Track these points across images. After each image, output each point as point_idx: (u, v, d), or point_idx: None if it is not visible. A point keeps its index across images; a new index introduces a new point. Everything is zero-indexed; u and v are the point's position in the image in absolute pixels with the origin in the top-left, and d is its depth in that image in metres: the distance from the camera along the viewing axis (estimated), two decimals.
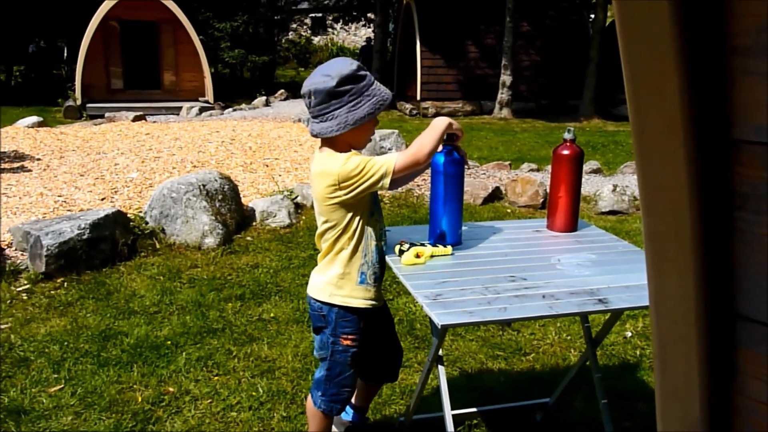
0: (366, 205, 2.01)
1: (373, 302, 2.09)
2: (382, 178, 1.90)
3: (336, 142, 1.97)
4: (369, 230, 2.03)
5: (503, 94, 14.37)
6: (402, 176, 1.99)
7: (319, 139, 2.02)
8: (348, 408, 2.44)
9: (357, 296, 2.05)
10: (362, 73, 1.93)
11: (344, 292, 2.04)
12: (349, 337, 2.06)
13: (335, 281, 2.04)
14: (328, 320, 2.06)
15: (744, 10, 0.54)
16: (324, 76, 1.90)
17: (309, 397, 2.22)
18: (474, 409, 2.69)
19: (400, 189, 6.02)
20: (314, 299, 2.09)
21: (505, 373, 3.08)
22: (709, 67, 0.56)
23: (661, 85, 0.54)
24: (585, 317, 2.55)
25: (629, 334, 3.48)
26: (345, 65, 1.92)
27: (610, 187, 6.24)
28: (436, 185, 2.21)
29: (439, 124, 2.01)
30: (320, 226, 2.05)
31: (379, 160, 1.92)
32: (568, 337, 3.43)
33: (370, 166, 1.90)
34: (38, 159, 7.54)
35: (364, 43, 22.09)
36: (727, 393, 0.61)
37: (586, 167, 7.74)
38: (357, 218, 1.99)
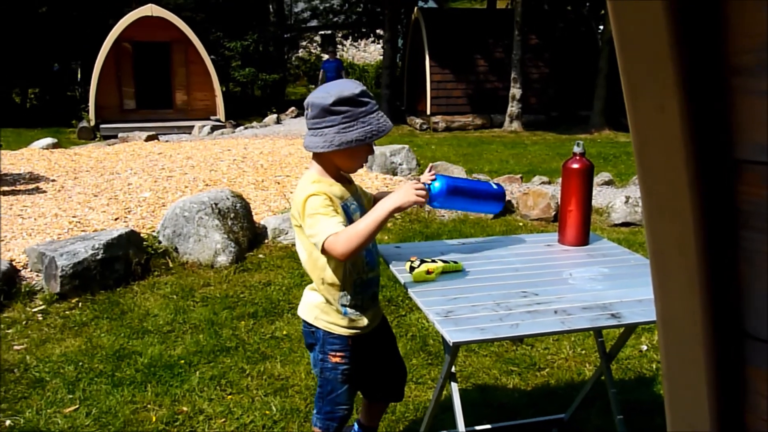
0: None
1: (358, 331, 2.06)
2: (315, 244, 1.87)
3: (324, 161, 1.98)
4: (347, 264, 1.97)
5: (513, 107, 14.39)
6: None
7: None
8: (356, 426, 2.43)
9: (341, 324, 2.03)
10: (365, 99, 1.90)
11: (330, 319, 2.03)
12: (338, 354, 2.04)
13: (322, 306, 2.04)
14: (317, 337, 2.06)
15: (744, 30, 0.54)
16: (324, 92, 1.91)
17: None
18: (488, 426, 2.67)
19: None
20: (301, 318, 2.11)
21: (519, 388, 3.06)
22: (710, 86, 0.56)
23: (661, 104, 0.55)
24: (599, 332, 2.53)
25: (644, 347, 3.45)
26: (348, 87, 1.91)
27: (623, 198, 6.20)
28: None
29: (382, 213, 1.86)
30: (296, 244, 2.06)
31: (322, 225, 1.84)
32: (583, 351, 3.40)
33: (314, 223, 1.85)
34: (53, 180, 7.62)
35: (326, 57, 16.49)
36: (738, 412, 0.61)
37: (598, 179, 7.70)
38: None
